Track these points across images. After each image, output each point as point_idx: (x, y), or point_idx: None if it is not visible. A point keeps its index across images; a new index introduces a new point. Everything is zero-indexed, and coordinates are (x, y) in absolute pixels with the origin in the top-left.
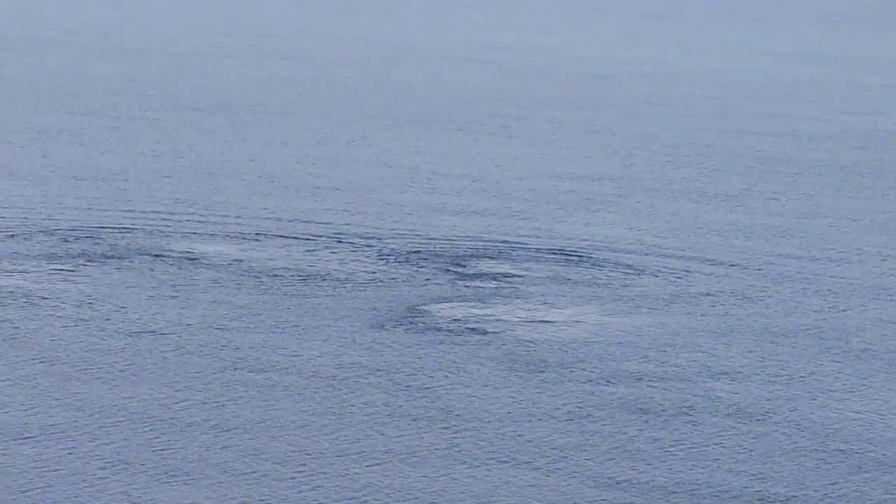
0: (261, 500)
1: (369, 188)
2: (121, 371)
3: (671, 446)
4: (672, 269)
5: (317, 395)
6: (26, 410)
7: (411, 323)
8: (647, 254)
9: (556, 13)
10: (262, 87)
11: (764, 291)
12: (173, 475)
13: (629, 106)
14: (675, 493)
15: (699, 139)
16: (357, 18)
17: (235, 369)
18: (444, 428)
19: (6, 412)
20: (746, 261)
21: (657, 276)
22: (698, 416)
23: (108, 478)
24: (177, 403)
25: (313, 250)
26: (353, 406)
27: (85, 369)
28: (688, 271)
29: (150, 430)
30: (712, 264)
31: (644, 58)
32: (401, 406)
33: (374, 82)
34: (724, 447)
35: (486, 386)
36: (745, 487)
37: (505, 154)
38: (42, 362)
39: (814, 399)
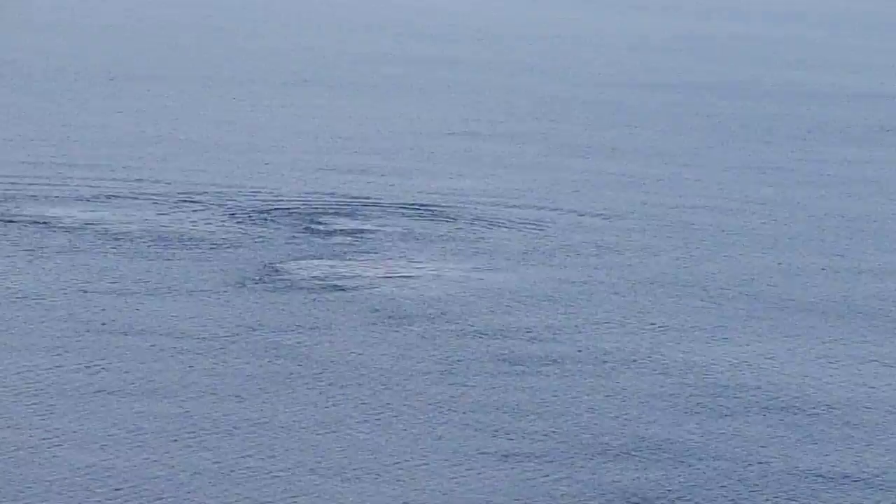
0: (144, 467)
1: (218, 147)
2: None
3: (544, 396)
4: (528, 221)
5: (191, 357)
6: None
7: (270, 281)
8: (501, 206)
9: None
10: (122, 52)
11: (624, 241)
12: (60, 442)
13: (520, 65)
14: (553, 439)
15: (579, 94)
16: None
17: (106, 332)
18: (320, 386)
19: None
20: (608, 211)
21: (513, 230)
22: (568, 366)
23: None
24: (53, 368)
25: (164, 212)
26: (228, 368)
27: None
28: (544, 223)
29: (31, 397)
30: (572, 215)
31: (539, 17)
32: (274, 366)
33: (246, 47)
34: (596, 395)
35: (356, 342)
36: (621, 430)
37: (374, 114)
38: None
39: (678, 344)
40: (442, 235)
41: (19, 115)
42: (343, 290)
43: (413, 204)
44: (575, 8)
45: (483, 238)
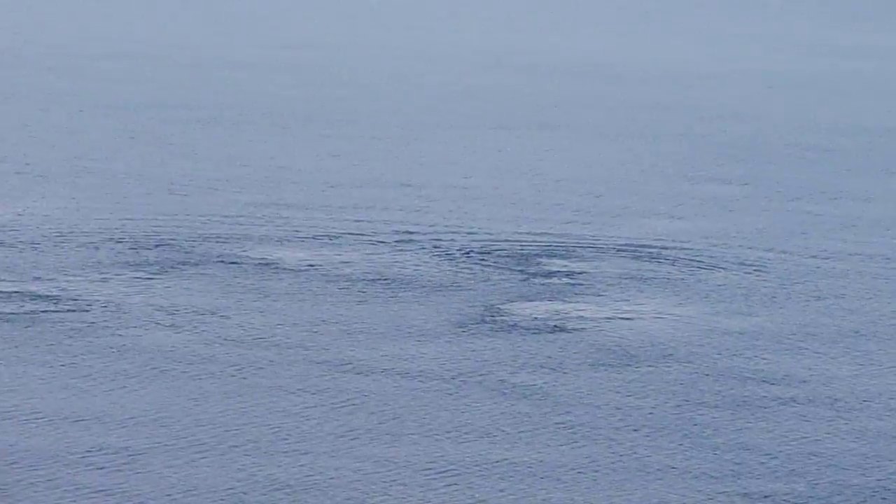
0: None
1: (432, 188)
2: (240, 378)
3: (784, 437)
4: (746, 263)
5: (433, 397)
6: (160, 423)
7: (494, 322)
8: (719, 248)
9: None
10: (291, 97)
11: (842, 284)
12: (322, 483)
13: (649, 106)
14: (798, 480)
15: (777, 137)
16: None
17: (348, 373)
18: (563, 426)
19: (142, 425)
20: (825, 253)
21: (732, 272)
22: (804, 408)
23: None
24: (304, 410)
25: (383, 253)
26: (470, 408)
27: (201, 378)
28: (762, 265)
29: (288, 436)
30: (789, 257)
31: (652, 58)
32: (514, 406)
33: (405, 87)
34: (836, 436)
35: (588, 382)
36: (866, 471)
37: (581, 157)
38: (157, 370)
39: None
40: (661, 277)
41: (236, 157)
42: (566, 330)
43: (629, 245)
44: (740, 46)
45: (703, 280)
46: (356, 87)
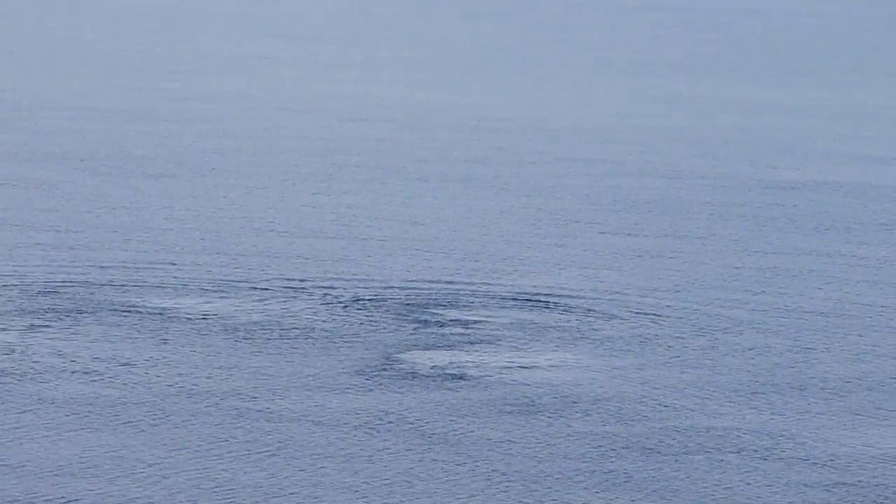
0: None
1: (315, 236)
2: (159, 427)
3: (695, 482)
4: (640, 311)
5: (351, 448)
6: (88, 473)
7: (394, 371)
8: (606, 298)
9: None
10: (176, 147)
11: (735, 335)
12: None
13: (527, 160)
14: None
15: (616, 188)
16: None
17: (262, 420)
18: (477, 475)
19: (70, 475)
20: (717, 303)
21: (621, 319)
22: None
23: None
24: (230, 459)
25: (272, 301)
26: (389, 458)
27: (118, 427)
28: (655, 314)
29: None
30: (679, 306)
31: (533, 112)
32: (430, 454)
33: (282, 138)
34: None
35: (503, 430)
36: None
37: (433, 206)
38: (76, 419)
39: (804, 436)
40: (554, 326)
41: (121, 205)
42: (466, 379)
43: (519, 295)
44: (632, 103)
45: (598, 329)
46: (234, 137)
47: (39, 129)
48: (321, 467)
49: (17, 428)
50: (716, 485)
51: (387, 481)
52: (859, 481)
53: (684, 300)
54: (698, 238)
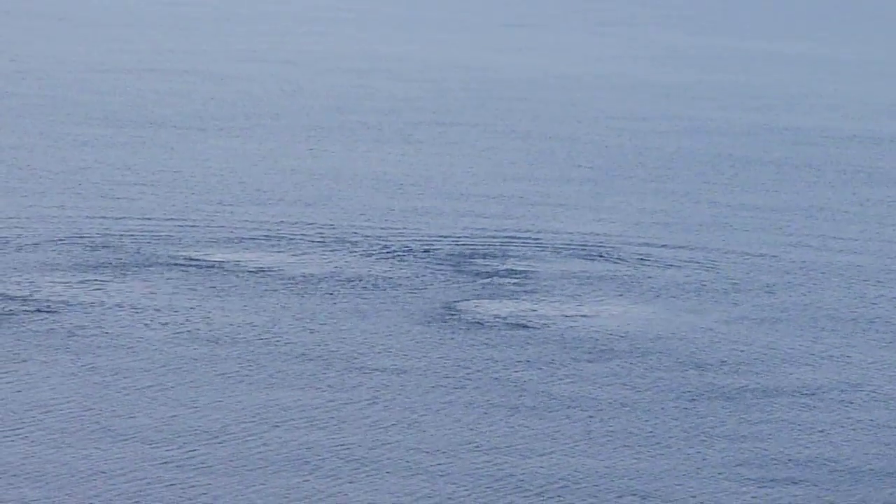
0: (421, 493)
1: (372, 187)
2: (240, 374)
3: (779, 426)
4: (690, 260)
5: (426, 391)
6: (179, 415)
7: (459, 321)
8: (647, 246)
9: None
10: (193, 103)
11: (783, 278)
12: (345, 471)
13: (543, 111)
14: (808, 465)
15: (622, 140)
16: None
17: (348, 370)
18: (574, 418)
19: (156, 418)
20: (754, 251)
21: (679, 268)
22: (778, 398)
23: (276, 474)
24: (305, 403)
25: (331, 253)
26: (474, 400)
27: (203, 374)
28: (702, 262)
29: (308, 427)
30: (724, 255)
31: (533, 65)
32: (518, 400)
33: (298, 94)
34: (835, 426)
35: (572, 376)
36: (864, 455)
37: (462, 155)
38: (159, 367)
39: (873, 376)
40: (606, 275)
41: (171, 157)
42: (531, 327)
43: (568, 244)
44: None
45: (649, 276)
46: (252, 94)
47: (73, 88)
48: (422, 418)
49: (95, 374)
50: (801, 428)
51: (489, 434)
52: None
53: (730, 247)
54: (728, 188)
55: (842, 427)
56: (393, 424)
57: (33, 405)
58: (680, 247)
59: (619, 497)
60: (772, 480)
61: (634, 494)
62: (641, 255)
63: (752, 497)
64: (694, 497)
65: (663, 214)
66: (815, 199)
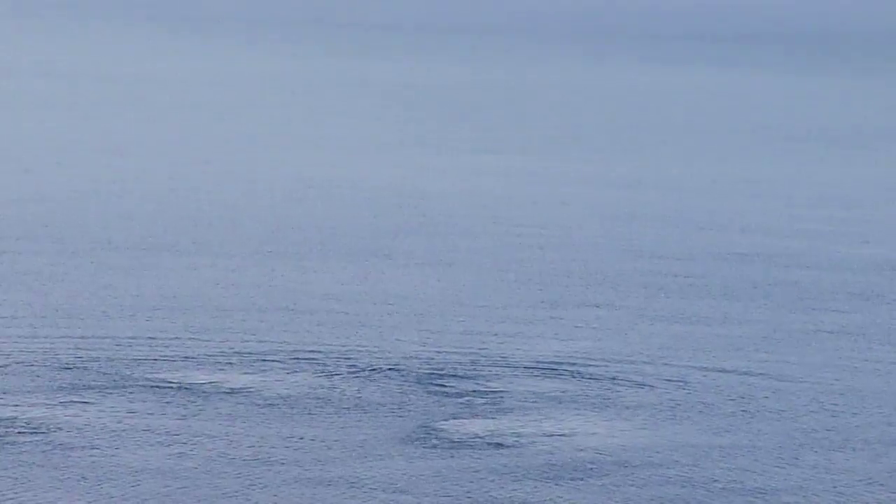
0: None
1: (326, 312)
2: (235, 489)
3: None
4: (661, 378)
5: None
6: None
7: (440, 440)
8: (612, 364)
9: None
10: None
11: (752, 398)
12: None
13: (479, 231)
14: None
15: (565, 261)
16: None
17: (336, 489)
18: None
19: None
20: (729, 365)
21: (648, 387)
22: None
23: None
24: None
25: (297, 374)
26: None
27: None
28: (674, 380)
29: None
30: (692, 371)
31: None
32: None
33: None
34: None
35: (565, 494)
36: None
37: (400, 281)
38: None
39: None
40: (576, 395)
41: (128, 278)
42: (508, 446)
43: (534, 364)
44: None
45: (622, 395)
46: (189, 214)
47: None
48: None
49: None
50: None
51: None
52: None
53: (699, 366)
54: (676, 308)
55: None
56: None
57: None
58: (644, 363)
59: None
60: None
61: None
62: (610, 373)
63: None
64: None
65: (622, 333)
66: (768, 318)
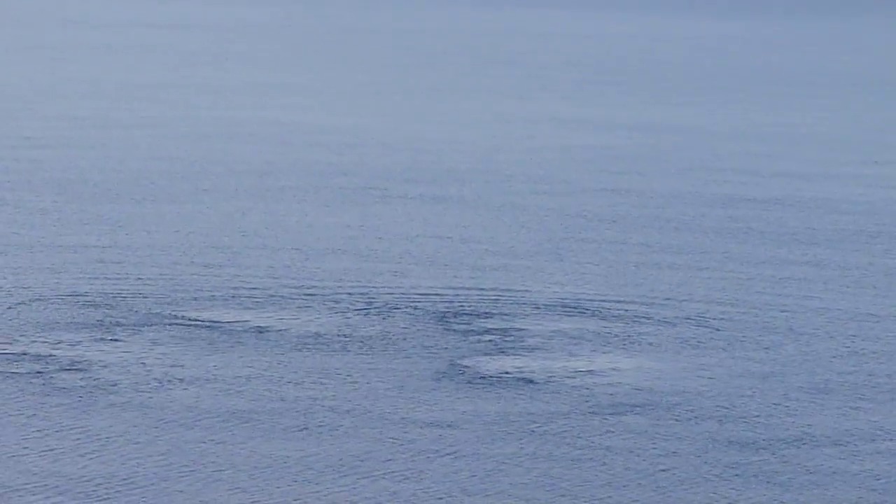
0: None
1: (351, 252)
2: (297, 426)
3: (804, 474)
4: (679, 317)
5: (470, 444)
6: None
7: (468, 377)
8: (627, 303)
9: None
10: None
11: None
12: None
13: (474, 179)
14: None
15: (560, 204)
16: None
17: (382, 421)
18: (609, 465)
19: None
20: (725, 301)
21: (666, 324)
22: (825, 449)
23: None
24: (343, 453)
25: (322, 312)
26: (513, 457)
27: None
28: (695, 318)
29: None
30: (706, 306)
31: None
32: (571, 456)
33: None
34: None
35: (602, 431)
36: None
37: (424, 219)
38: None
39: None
40: (599, 332)
41: (147, 226)
42: (537, 383)
43: (551, 303)
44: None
45: (642, 333)
46: (182, 162)
47: None
48: (457, 470)
49: (118, 437)
50: (826, 476)
51: (520, 484)
52: None
53: (715, 302)
54: (679, 249)
55: (877, 476)
56: (425, 475)
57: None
58: (660, 302)
59: None
60: None
61: None
62: (628, 312)
63: None
64: None
65: (633, 273)
66: (774, 257)
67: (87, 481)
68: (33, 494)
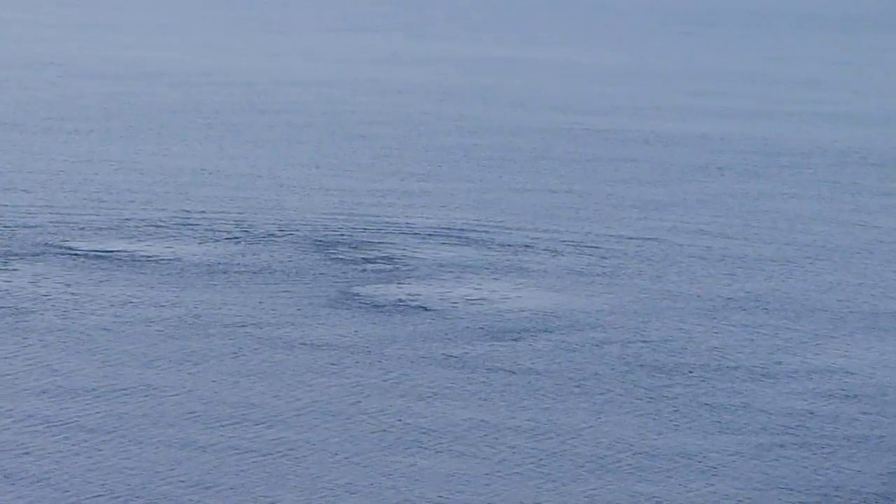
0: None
1: (233, 178)
2: (229, 359)
3: (747, 399)
4: (535, 243)
5: (378, 371)
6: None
7: (363, 304)
8: (498, 230)
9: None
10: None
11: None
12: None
13: (333, 112)
14: (784, 433)
15: (408, 137)
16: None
17: (286, 347)
18: (544, 391)
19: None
20: (599, 234)
21: (541, 252)
22: (703, 374)
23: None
24: (231, 383)
25: (210, 242)
26: (424, 378)
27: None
28: (585, 246)
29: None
30: (583, 238)
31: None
32: (472, 375)
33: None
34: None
35: (503, 354)
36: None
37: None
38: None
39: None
40: (486, 260)
41: (19, 156)
42: (432, 309)
43: (429, 230)
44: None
45: (527, 261)
46: (53, 98)
47: None
48: (359, 385)
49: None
50: (736, 400)
51: (421, 402)
52: (843, 390)
53: (595, 232)
54: (541, 177)
55: (804, 399)
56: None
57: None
58: (537, 230)
59: (620, 453)
60: (759, 447)
61: (642, 453)
62: (509, 239)
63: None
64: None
65: (500, 202)
66: (624, 188)
67: None
68: None
